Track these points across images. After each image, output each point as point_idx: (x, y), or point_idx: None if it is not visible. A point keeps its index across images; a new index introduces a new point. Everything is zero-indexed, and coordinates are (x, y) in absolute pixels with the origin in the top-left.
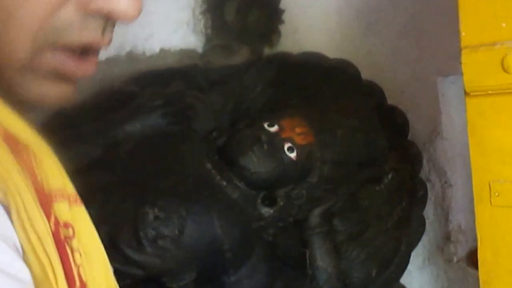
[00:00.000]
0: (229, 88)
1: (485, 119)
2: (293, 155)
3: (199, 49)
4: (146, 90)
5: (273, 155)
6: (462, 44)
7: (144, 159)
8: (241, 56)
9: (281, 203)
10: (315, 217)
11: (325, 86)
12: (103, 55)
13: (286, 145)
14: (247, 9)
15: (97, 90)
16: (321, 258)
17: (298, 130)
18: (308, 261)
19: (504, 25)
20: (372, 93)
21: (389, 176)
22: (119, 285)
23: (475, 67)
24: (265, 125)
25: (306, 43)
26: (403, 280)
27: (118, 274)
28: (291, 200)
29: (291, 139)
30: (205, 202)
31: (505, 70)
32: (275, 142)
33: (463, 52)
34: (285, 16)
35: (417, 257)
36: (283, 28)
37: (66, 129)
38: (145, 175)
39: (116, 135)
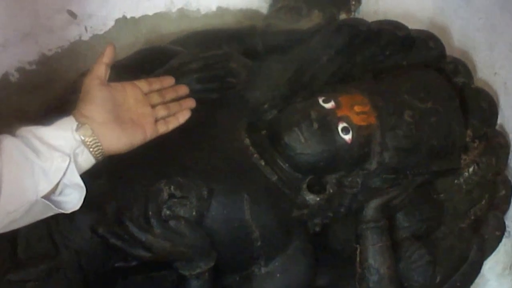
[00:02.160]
0: (290, 55)
1: None
2: (347, 137)
3: (263, 10)
4: (187, 51)
5: (323, 136)
6: None
7: None
8: (310, 21)
9: (331, 191)
10: (370, 209)
11: (399, 61)
12: (150, 9)
13: (341, 125)
14: None
15: (139, 48)
16: (373, 257)
17: (357, 108)
18: (358, 258)
19: None
20: (455, 72)
21: (470, 169)
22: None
23: None
24: (320, 101)
25: (391, 12)
26: None
27: (124, 253)
28: (343, 188)
29: (347, 119)
30: (234, 182)
31: None
32: (327, 120)
33: None
34: None
35: (496, 264)
36: None
37: None
38: (168, 147)
39: None
